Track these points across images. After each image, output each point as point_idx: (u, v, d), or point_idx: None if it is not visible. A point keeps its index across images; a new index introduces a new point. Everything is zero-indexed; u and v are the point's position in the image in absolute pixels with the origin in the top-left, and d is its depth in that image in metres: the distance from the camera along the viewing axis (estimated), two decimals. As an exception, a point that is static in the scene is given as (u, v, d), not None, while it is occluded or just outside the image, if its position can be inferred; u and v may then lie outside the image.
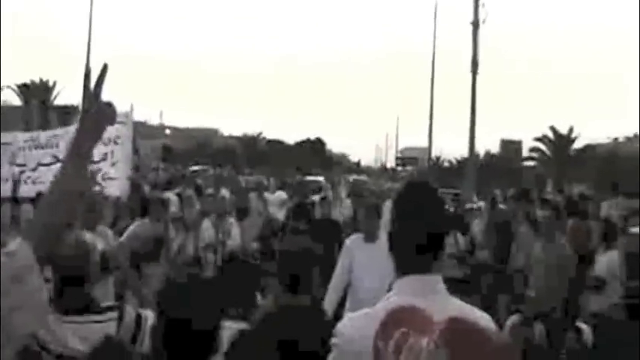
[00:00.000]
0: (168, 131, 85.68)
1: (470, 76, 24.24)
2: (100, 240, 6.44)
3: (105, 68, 2.40)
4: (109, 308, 3.36)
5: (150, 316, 3.28)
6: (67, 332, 3.07)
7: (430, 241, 2.47)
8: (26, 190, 7.04)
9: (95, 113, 2.34)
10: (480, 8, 24.12)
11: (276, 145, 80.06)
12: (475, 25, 24.09)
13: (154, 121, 79.67)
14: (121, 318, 3.29)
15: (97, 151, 6.76)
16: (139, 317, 3.33)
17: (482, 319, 2.42)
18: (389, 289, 2.53)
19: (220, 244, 9.65)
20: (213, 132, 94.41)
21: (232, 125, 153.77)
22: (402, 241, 2.50)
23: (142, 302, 3.34)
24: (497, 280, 9.56)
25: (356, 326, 2.40)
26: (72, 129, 7.16)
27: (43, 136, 7.18)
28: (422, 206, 2.51)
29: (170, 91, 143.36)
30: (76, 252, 3.27)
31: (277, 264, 3.97)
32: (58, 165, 6.71)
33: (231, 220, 10.24)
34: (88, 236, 3.63)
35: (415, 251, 2.45)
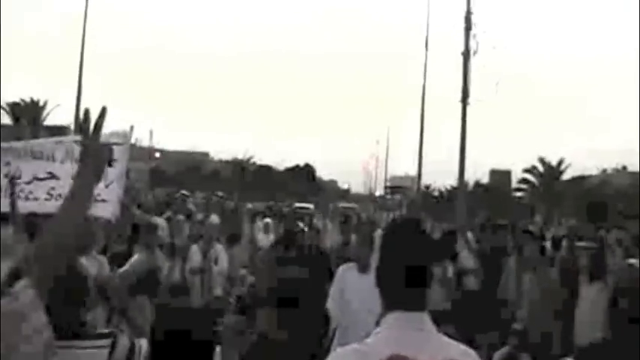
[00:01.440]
0: (158, 154, 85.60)
1: (460, 105, 24.38)
2: (94, 266, 6.43)
3: (104, 111, 2.52)
4: (103, 335, 3.34)
5: (144, 345, 3.28)
6: None
7: (417, 277, 2.49)
8: (19, 206, 6.91)
9: (95, 155, 2.47)
10: (471, 38, 24.34)
11: (266, 170, 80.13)
12: (466, 55, 24.28)
13: (144, 142, 79.50)
14: (114, 345, 3.27)
15: None
16: (132, 346, 3.30)
17: (467, 357, 2.47)
18: (377, 323, 2.56)
19: (208, 269, 9.64)
20: (204, 155, 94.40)
21: (222, 148, 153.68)
22: (389, 277, 2.53)
23: (137, 332, 3.30)
24: (483, 310, 9.55)
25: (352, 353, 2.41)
26: (69, 139, 7.07)
27: (36, 145, 7.04)
28: (409, 244, 2.53)
29: (161, 109, 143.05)
30: (72, 277, 3.25)
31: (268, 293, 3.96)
32: (53, 181, 6.67)
33: (220, 246, 10.24)
34: (83, 261, 3.62)
35: (402, 287, 2.47)
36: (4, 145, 6.88)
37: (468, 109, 24.35)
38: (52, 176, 6.74)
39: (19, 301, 2.13)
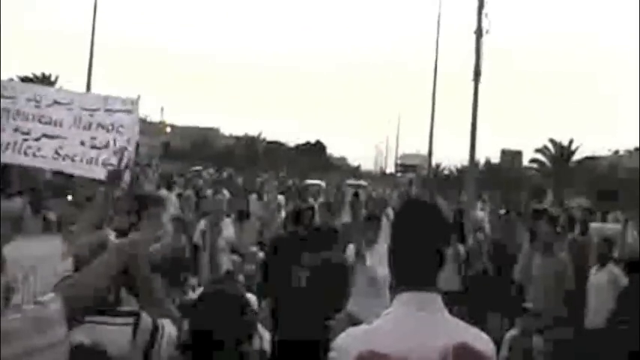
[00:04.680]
0: (168, 129, 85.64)
1: (472, 84, 24.22)
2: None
3: None
4: (126, 313, 3.31)
5: (168, 326, 3.25)
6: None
7: (429, 258, 2.47)
8: (25, 160, 6.98)
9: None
10: (484, 18, 24.09)
11: (276, 147, 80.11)
12: (478, 34, 24.05)
13: (155, 117, 79.66)
14: (137, 324, 3.24)
15: (101, 138, 6.72)
16: (156, 325, 3.26)
17: (480, 340, 2.44)
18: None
19: (214, 244, 9.63)
20: (214, 131, 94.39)
21: (233, 125, 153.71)
22: (401, 257, 2.51)
23: (163, 312, 3.26)
24: (493, 292, 9.52)
25: (353, 341, 2.40)
26: (76, 104, 7.06)
27: (44, 101, 7.07)
28: (421, 225, 2.51)
29: (172, 87, 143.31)
30: (97, 251, 3.21)
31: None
32: (61, 141, 6.74)
33: (228, 220, 10.22)
34: (111, 237, 3.59)
35: (414, 268, 2.46)
36: (14, 105, 6.93)
37: (480, 87, 24.20)
38: (60, 137, 6.82)
39: (48, 310, 2.23)
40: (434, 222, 2.54)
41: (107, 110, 6.94)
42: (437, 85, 38.13)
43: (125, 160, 4.93)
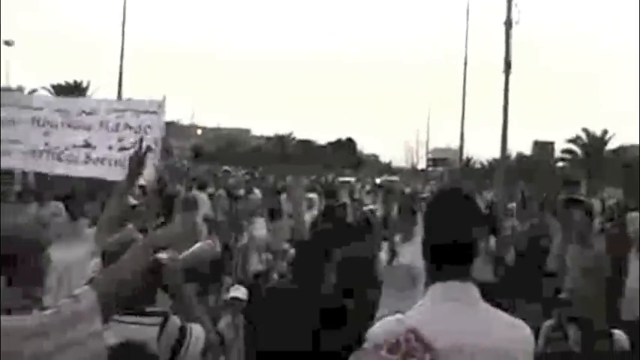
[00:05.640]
0: (199, 131, 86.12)
1: (502, 76, 24.05)
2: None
3: None
4: (155, 313, 3.34)
5: (197, 330, 3.26)
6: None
7: (463, 248, 2.47)
8: (60, 167, 7.17)
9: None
10: (513, 8, 23.91)
11: (307, 145, 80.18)
12: (508, 25, 23.89)
13: (186, 121, 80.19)
14: (164, 325, 3.26)
15: (128, 140, 6.80)
16: (183, 328, 3.27)
17: (516, 329, 2.43)
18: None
19: (246, 244, 9.70)
20: (245, 132, 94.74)
21: (264, 125, 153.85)
22: (436, 249, 2.50)
23: (193, 317, 3.27)
24: (526, 283, 9.45)
25: (386, 331, 2.40)
26: (101, 110, 7.19)
27: (73, 110, 7.22)
28: (455, 214, 2.50)
29: (202, 91, 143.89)
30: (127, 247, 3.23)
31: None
32: (89, 149, 6.90)
33: (260, 219, 10.29)
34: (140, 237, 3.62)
35: (448, 259, 2.45)
36: (42, 117, 7.09)
37: (510, 79, 24.03)
38: (88, 144, 6.95)
39: (80, 304, 2.23)
40: (467, 211, 2.53)
41: (133, 112, 7.03)
42: (467, 77, 38.03)
43: (145, 145, 4.87)
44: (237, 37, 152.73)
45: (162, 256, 3.05)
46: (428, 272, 2.53)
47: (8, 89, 30.14)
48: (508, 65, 23.74)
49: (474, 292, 2.44)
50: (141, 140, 4.99)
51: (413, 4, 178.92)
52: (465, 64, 38.57)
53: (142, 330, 3.22)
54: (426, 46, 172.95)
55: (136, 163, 4.78)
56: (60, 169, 7.15)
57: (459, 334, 2.33)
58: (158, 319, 3.27)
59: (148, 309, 3.33)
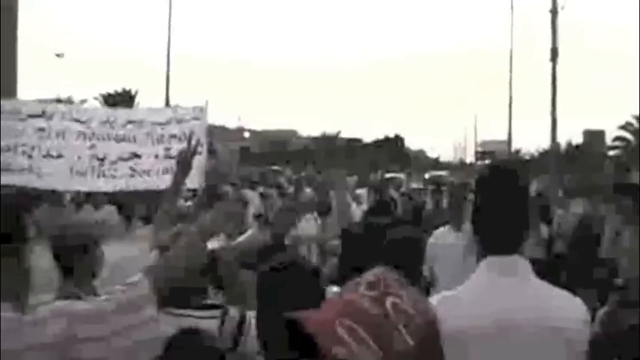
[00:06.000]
0: (246, 134, 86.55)
1: (549, 65, 23.74)
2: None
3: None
4: (213, 306, 3.36)
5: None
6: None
7: (514, 221, 2.46)
8: (106, 185, 7.18)
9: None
10: (558, -6, 23.57)
11: (354, 143, 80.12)
12: (554, 12, 23.58)
13: (232, 124, 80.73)
14: (224, 317, 3.28)
15: (174, 148, 6.83)
16: (243, 318, 3.30)
17: (570, 305, 2.40)
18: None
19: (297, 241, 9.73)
20: (292, 133, 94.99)
21: (310, 126, 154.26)
22: (486, 221, 2.50)
23: (249, 303, 3.29)
24: (580, 269, 9.34)
25: (439, 304, 2.38)
26: (148, 120, 7.22)
27: (118, 121, 7.24)
28: (506, 189, 2.49)
29: (248, 94, 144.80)
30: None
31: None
32: (136, 160, 6.91)
33: (310, 215, 10.33)
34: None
35: (498, 231, 2.44)
36: (89, 129, 7.13)
37: (557, 67, 23.71)
38: (135, 155, 6.98)
39: (135, 291, 2.28)
40: (517, 185, 2.52)
41: (178, 121, 7.07)
42: (513, 67, 37.58)
43: (193, 145, 4.87)
44: (281, 41, 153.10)
45: (215, 245, 3.09)
46: (478, 247, 2.51)
47: (59, 100, 30.68)
48: (555, 53, 23.44)
49: (527, 266, 2.42)
50: (189, 139, 5.00)
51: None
52: (511, 54, 38.18)
53: (202, 323, 3.20)
54: (470, 39, 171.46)
55: (185, 163, 4.79)
56: (104, 185, 7.12)
57: (509, 309, 2.31)
58: (218, 312, 3.29)
59: (207, 302, 3.36)
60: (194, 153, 4.86)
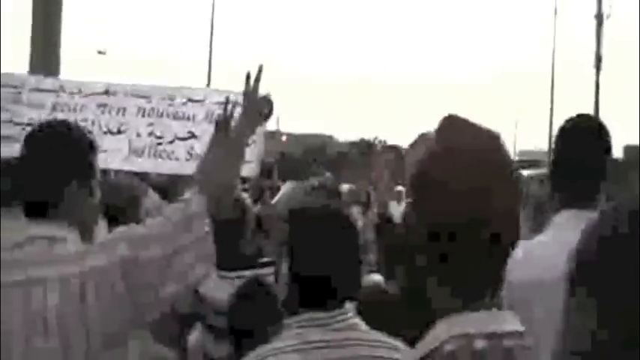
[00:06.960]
0: (284, 137, 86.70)
1: (592, 73, 23.44)
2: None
3: (260, 67, 2.91)
4: (266, 264, 3.40)
5: None
6: (226, 293, 3.09)
7: (593, 172, 2.45)
8: (162, 166, 7.01)
9: (254, 108, 2.91)
10: (604, 1, 23.29)
11: (393, 148, 79.87)
12: (599, 18, 23.30)
13: (271, 127, 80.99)
14: (277, 273, 3.32)
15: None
16: None
17: None
18: None
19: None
20: (328, 138, 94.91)
21: (348, 131, 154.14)
22: (565, 172, 2.50)
23: None
24: None
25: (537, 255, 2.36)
26: (208, 100, 7.09)
27: (178, 98, 7.08)
28: (585, 142, 2.49)
29: (287, 97, 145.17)
30: (233, 209, 3.29)
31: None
32: (193, 141, 6.77)
33: (356, 209, 10.36)
34: (244, 195, 3.69)
35: (577, 181, 2.43)
36: (149, 104, 6.96)
37: (601, 75, 23.42)
38: (192, 135, 6.82)
39: (191, 206, 2.29)
40: (596, 140, 2.51)
41: (234, 105, 6.89)
42: (554, 75, 37.11)
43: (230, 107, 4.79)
44: (321, 45, 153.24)
45: (245, 196, 3.11)
46: (556, 201, 2.48)
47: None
48: (599, 59, 23.13)
49: None
50: (227, 101, 4.97)
51: (499, 2, 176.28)
52: (553, 60, 37.71)
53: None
54: (512, 45, 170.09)
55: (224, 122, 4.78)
56: (159, 166, 6.93)
57: None
58: (270, 270, 3.33)
59: (261, 260, 3.39)
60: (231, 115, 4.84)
